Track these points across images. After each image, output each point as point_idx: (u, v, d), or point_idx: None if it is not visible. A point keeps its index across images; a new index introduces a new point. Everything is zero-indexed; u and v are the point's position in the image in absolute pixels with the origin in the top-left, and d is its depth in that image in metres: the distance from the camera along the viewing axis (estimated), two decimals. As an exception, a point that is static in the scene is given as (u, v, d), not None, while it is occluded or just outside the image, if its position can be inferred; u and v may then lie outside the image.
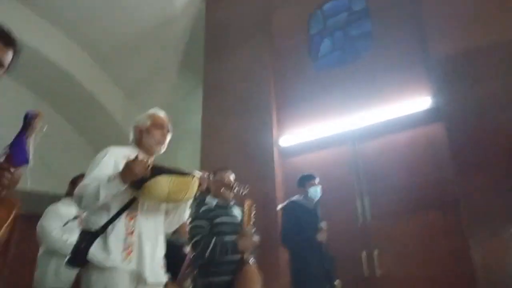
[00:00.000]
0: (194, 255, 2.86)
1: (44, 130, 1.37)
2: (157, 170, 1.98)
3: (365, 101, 4.42)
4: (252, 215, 2.80)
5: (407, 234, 3.86)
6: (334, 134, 4.52)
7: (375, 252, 3.88)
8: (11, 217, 1.31)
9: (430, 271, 3.66)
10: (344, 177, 4.33)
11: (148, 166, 1.93)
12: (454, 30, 4.12)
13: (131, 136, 2.26)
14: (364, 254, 3.91)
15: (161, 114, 2.30)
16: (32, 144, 1.35)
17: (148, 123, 2.22)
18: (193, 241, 2.74)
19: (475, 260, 3.38)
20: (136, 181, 1.93)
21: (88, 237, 1.92)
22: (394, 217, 3.97)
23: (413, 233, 3.85)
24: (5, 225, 1.29)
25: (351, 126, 4.43)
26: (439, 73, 4.06)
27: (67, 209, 3.24)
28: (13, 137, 1.34)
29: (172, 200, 2.08)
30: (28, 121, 1.35)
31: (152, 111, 2.30)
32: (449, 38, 4.11)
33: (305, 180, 3.67)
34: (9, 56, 1.51)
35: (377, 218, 4.04)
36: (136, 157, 1.92)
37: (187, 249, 4.22)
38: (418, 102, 4.16)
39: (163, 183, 1.97)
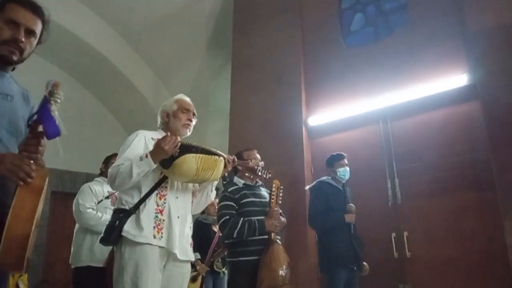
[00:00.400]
0: (222, 235, 2.91)
1: (62, 98, 1.38)
2: (186, 148, 2.06)
3: (397, 78, 4.27)
4: (280, 195, 2.81)
5: (439, 215, 3.78)
6: (365, 113, 4.41)
7: (405, 234, 3.82)
8: (45, 185, 1.36)
9: (462, 253, 3.59)
10: (375, 157, 4.24)
11: (177, 144, 2.01)
12: (493, 1, 3.88)
13: (159, 120, 2.35)
14: (393, 235, 3.86)
15: (187, 99, 2.37)
16: (57, 113, 1.35)
17: (175, 107, 2.30)
18: (221, 221, 2.77)
19: (509, 241, 3.28)
20: (165, 159, 2.02)
21: (121, 215, 2.03)
22: (425, 198, 3.88)
23: (445, 214, 3.75)
24: (43, 193, 1.34)
25: (383, 104, 4.30)
26: (477, 48, 3.86)
27: (100, 188, 3.35)
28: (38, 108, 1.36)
29: (200, 178, 2.14)
30: (51, 90, 1.35)
31: (178, 96, 2.38)
32: (488, 10, 3.87)
33: (334, 160, 3.62)
34: (39, 25, 1.54)
35: (408, 199, 3.96)
36: (166, 135, 2.01)
37: (216, 228, 4.31)
38: (453, 79, 3.98)
39: (191, 160, 2.05)
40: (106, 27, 6.61)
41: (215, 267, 4.26)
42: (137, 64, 7.06)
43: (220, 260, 4.25)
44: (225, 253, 3.98)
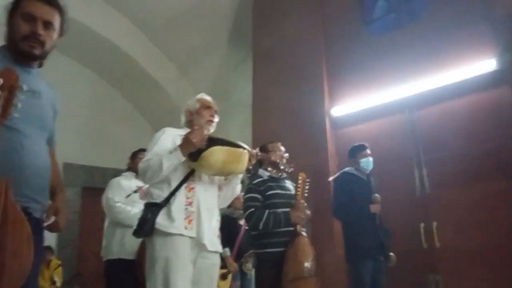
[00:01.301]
0: (248, 227, 2.94)
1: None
2: (213, 141, 2.12)
3: (423, 65, 4.17)
4: (306, 188, 2.81)
5: (468, 204, 3.69)
6: (390, 102, 4.33)
7: (434, 224, 3.76)
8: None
9: (493, 243, 3.50)
10: (401, 147, 4.17)
11: (205, 136, 2.09)
12: (523, -18, 3.74)
13: (183, 119, 2.44)
14: (422, 225, 3.80)
15: (208, 97, 2.47)
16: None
17: (197, 105, 2.40)
18: (247, 213, 2.80)
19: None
20: (193, 152, 2.09)
21: (153, 208, 2.09)
22: (454, 187, 3.80)
23: (474, 203, 3.67)
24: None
25: (408, 93, 4.21)
26: (505, 32, 3.72)
27: (128, 182, 3.41)
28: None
29: (227, 170, 2.20)
30: None
31: (199, 95, 2.47)
32: (518, -9, 3.74)
33: (356, 151, 3.59)
34: (56, 16, 1.54)
35: (436, 188, 3.89)
36: (194, 128, 2.10)
37: (242, 221, 4.34)
38: (481, 64, 3.85)
39: (218, 153, 2.11)
40: (128, 24, 6.72)
41: (244, 269, 4.27)
42: (159, 60, 7.16)
43: (250, 262, 4.25)
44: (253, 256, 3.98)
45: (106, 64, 7.14)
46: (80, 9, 5.77)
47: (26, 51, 1.49)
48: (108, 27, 6.51)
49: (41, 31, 1.49)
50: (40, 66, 1.61)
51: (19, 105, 1.24)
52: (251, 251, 4.09)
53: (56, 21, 1.55)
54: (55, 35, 1.56)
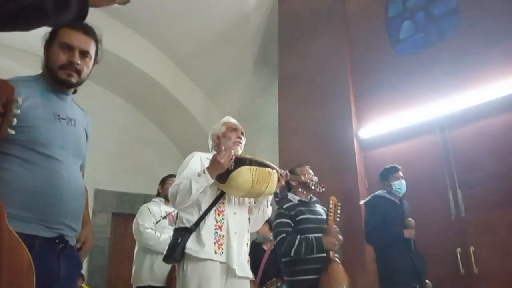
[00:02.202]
0: (279, 253, 2.87)
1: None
2: (240, 161, 2.13)
3: (453, 84, 4.08)
4: (337, 212, 2.75)
5: (508, 227, 3.52)
6: (420, 122, 4.23)
7: (471, 249, 3.59)
8: None
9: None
10: (433, 169, 4.05)
11: (232, 157, 2.10)
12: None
13: (210, 144, 2.46)
14: (459, 250, 3.64)
15: (233, 120, 2.48)
16: None
17: (224, 128, 2.42)
18: (278, 239, 2.74)
19: None
20: (222, 174, 2.10)
21: (183, 233, 2.09)
22: (492, 209, 3.63)
23: (514, 227, 3.50)
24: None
25: (439, 112, 4.11)
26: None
27: (158, 208, 3.45)
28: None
29: (256, 191, 2.18)
30: None
31: (225, 119, 2.49)
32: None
33: (388, 173, 3.50)
34: (92, 45, 1.59)
35: (472, 211, 3.73)
36: (221, 150, 2.10)
37: (266, 246, 4.27)
38: (515, 81, 3.75)
39: (247, 173, 2.11)
40: (157, 52, 6.92)
41: None
42: (187, 86, 7.30)
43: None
44: (279, 284, 3.89)
45: (135, 91, 7.33)
46: (110, 39, 5.97)
47: (63, 79, 1.54)
48: (137, 55, 6.72)
49: (78, 60, 1.54)
50: (74, 92, 1.67)
51: (15, 120, 1.17)
52: (274, 278, 4.01)
53: (92, 49, 1.60)
54: (91, 63, 1.61)
